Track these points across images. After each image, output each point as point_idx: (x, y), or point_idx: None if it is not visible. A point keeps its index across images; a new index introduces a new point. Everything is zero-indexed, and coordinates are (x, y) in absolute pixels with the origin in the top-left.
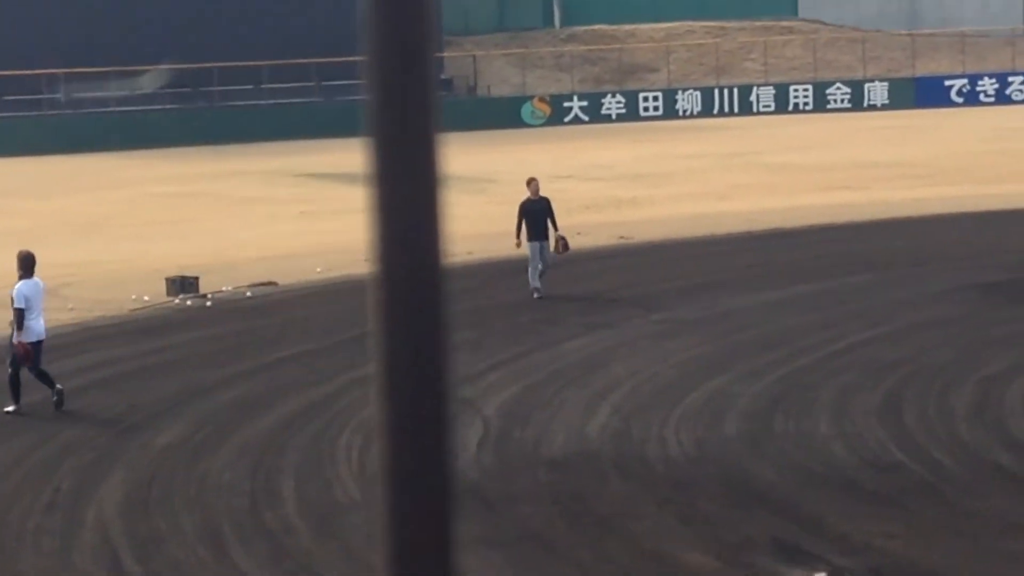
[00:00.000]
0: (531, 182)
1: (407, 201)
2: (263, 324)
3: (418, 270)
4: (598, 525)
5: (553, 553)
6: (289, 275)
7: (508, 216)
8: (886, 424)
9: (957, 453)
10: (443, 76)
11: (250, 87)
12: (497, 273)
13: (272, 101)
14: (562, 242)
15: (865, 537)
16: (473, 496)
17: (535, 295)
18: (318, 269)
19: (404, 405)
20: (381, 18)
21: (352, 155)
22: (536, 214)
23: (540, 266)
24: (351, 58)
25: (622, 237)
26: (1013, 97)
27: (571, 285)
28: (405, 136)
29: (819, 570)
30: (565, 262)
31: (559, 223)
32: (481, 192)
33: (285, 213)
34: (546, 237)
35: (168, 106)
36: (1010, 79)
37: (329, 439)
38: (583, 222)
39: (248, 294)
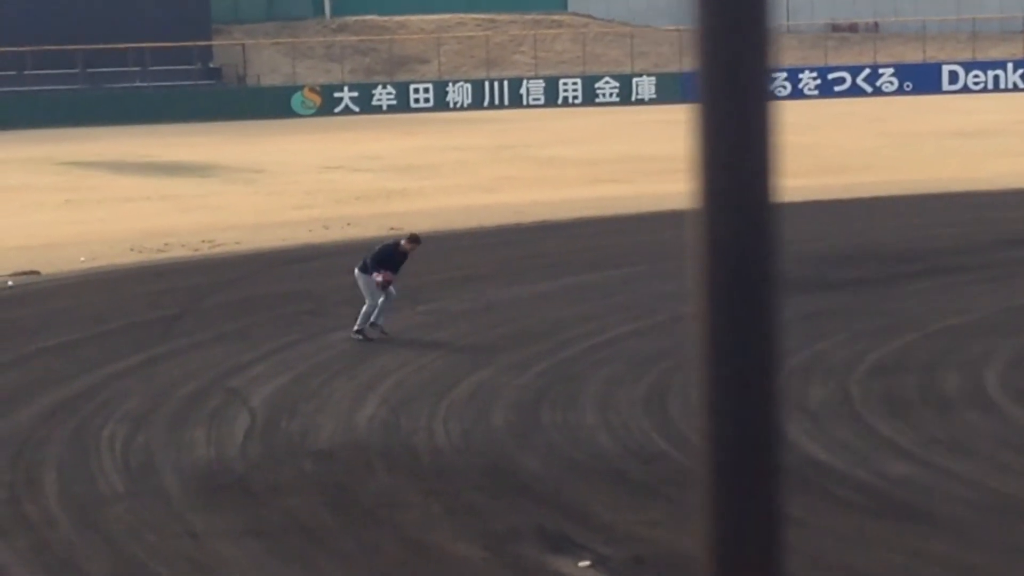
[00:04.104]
0: (414, 245)
1: None
2: (24, 314)
3: None
4: (364, 516)
5: (319, 544)
6: (52, 264)
7: (277, 207)
8: (650, 415)
9: None
10: (212, 65)
11: (12, 73)
12: (264, 264)
13: (36, 88)
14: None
15: (629, 526)
16: (238, 487)
17: (381, 332)
18: (82, 259)
19: None
20: None
21: (119, 143)
22: (398, 265)
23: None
24: (119, 45)
25: (392, 228)
26: (776, 92)
27: (339, 276)
28: None
29: (583, 559)
30: (333, 252)
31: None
32: (249, 183)
33: (48, 201)
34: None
35: None
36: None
37: (93, 430)
38: (353, 213)
39: (9, 284)
